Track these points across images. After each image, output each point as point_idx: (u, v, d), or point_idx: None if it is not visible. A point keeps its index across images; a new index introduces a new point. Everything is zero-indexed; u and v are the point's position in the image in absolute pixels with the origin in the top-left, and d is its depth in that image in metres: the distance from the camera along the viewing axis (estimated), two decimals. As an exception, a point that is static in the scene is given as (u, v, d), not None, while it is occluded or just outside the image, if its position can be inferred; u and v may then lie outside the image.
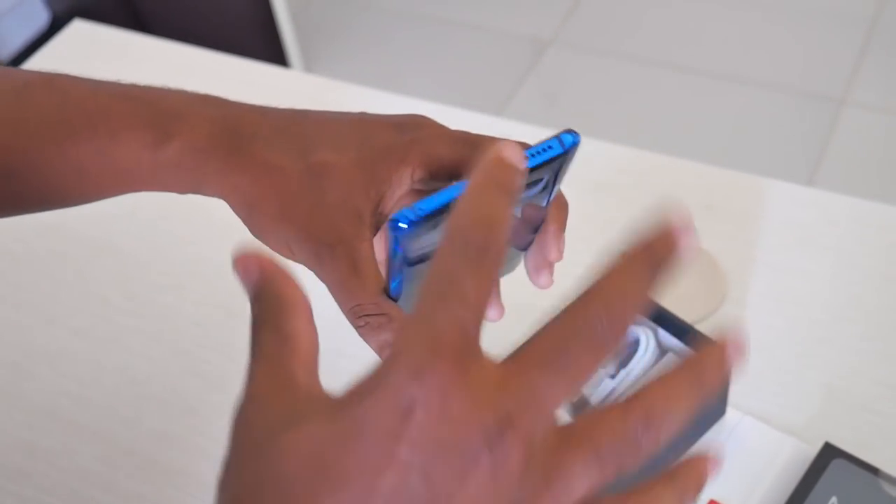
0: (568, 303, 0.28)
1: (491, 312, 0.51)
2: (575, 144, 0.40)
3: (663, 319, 0.60)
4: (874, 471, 0.56)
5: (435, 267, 0.27)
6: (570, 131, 0.41)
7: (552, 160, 0.41)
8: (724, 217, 0.73)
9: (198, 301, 0.73)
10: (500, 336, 0.66)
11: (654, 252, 0.29)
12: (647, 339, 0.60)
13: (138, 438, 0.66)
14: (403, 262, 0.42)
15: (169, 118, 0.47)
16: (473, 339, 0.26)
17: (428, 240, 0.42)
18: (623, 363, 0.60)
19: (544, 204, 0.45)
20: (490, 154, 0.28)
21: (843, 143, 1.88)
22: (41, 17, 2.29)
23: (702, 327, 0.66)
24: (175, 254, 0.77)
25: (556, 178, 0.43)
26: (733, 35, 2.14)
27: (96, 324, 0.73)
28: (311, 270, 0.45)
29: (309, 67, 2.16)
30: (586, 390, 0.60)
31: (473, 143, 0.46)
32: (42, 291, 0.76)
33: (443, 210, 0.39)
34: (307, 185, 0.45)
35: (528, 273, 0.50)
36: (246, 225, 0.47)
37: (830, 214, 0.72)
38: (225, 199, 0.47)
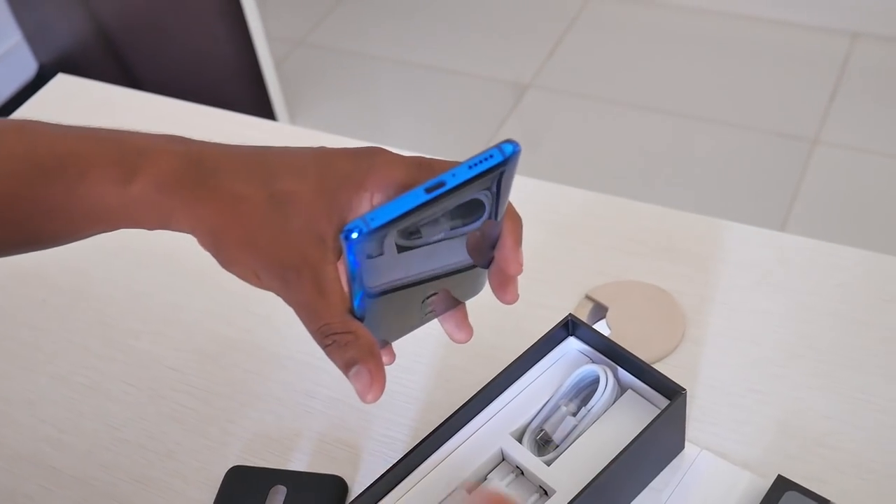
0: None
1: (460, 335, 0.53)
2: (515, 153, 0.42)
3: (622, 358, 0.63)
4: (825, 502, 0.58)
5: None
6: (510, 141, 0.42)
7: (494, 168, 0.42)
8: (683, 259, 0.75)
9: (174, 347, 0.75)
10: (470, 361, 0.68)
11: None
12: (607, 377, 0.62)
13: (117, 483, 0.68)
14: (360, 275, 0.43)
15: (134, 155, 0.49)
16: None
17: (386, 259, 0.43)
18: (584, 401, 0.63)
19: (496, 216, 0.46)
20: None
21: (817, 181, 1.92)
22: (29, 68, 2.33)
23: (661, 365, 0.69)
24: (152, 301, 0.79)
25: (499, 187, 0.44)
26: (708, 77, 2.19)
27: (75, 370, 0.75)
28: (279, 295, 0.47)
29: (293, 114, 2.19)
30: (549, 428, 0.62)
31: (427, 166, 0.49)
32: (21, 339, 0.78)
33: (393, 222, 0.40)
34: (271, 213, 0.47)
35: (494, 291, 0.52)
36: (214, 256, 0.48)
37: (784, 255, 0.75)
38: (192, 232, 0.48)
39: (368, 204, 0.48)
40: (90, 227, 0.51)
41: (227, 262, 0.48)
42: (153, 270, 0.81)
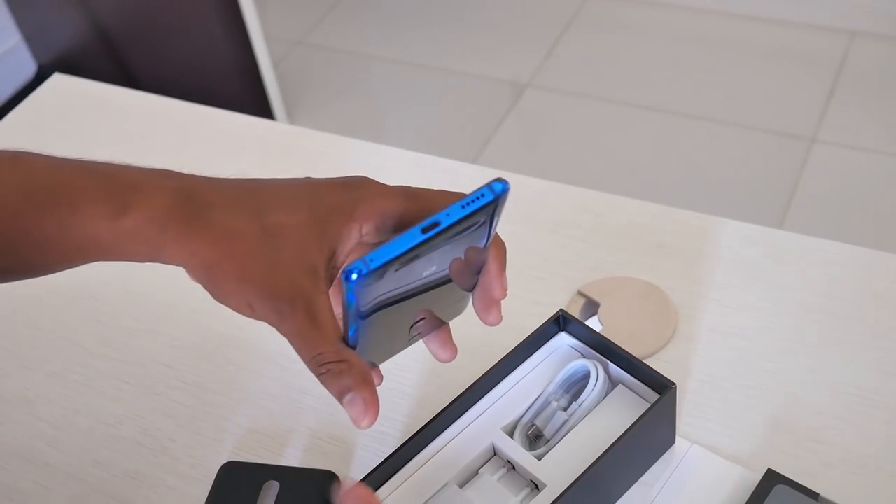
0: None
1: (444, 354, 0.54)
2: (505, 191, 0.44)
3: (613, 353, 0.63)
4: (814, 496, 0.59)
5: None
6: (499, 180, 0.44)
7: (486, 206, 0.44)
8: (675, 255, 0.76)
9: (169, 344, 0.76)
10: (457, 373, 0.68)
11: None
12: (598, 372, 0.62)
13: (112, 479, 0.68)
14: (358, 312, 0.45)
15: (127, 190, 0.50)
16: None
17: (379, 289, 0.44)
18: (575, 396, 0.63)
19: (483, 245, 0.48)
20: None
21: (815, 179, 1.92)
22: (28, 68, 2.33)
23: (653, 361, 0.69)
24: (147, 299, 0.79)
25: (491, 221, 0.46)
26: (705, 76, 2.19)
27: (71, 368, 0.75)
28: (272, 325, 0.48)
29: (291, 114, 2.20)
30: (540, 423, 0.62)
31: (415, 196, 0.50)
32: (18, 337, 0.78)
33: (391, 262, 0.42)
34: (264, 246, 0.48)
35: (477, 313, 0.53)
36: (207, 289, 0.49)
37: (776, 251, 0.75)
38: (184, 266, 0.49)
39: (357, 234, 0.50)
40: (81, 259, 0.52)
41: (220, 295, 0.49)
42: (147, 269, 0.81)
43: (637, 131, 2.10)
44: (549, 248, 0.78)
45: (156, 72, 2.13)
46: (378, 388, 0.48)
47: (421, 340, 0.54)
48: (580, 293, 0.74)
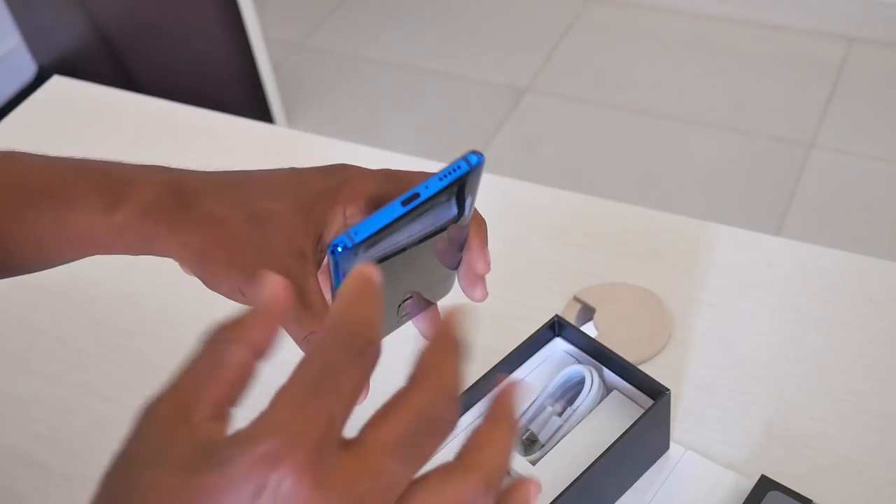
0: (403, 390, 0.30)
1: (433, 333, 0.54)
2: (480, 163, 0.45)
3: (607, 359, 0.63)
4: (808, 502, 0.59)
5: (315, 355, 0.29)
6: (474, 152, 0.46)
7: (462, 177, 0.45)
8: (671, 261, 0.76)
9: (166, 346, 0.76)
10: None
11: (456, 337, 0.31)
12: (592, 378, 0.63)
13: (107, 481, 0.68)
14: None
15: (119, 184, 0.51)
16: (338, 432, 0.28)
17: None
18: (570, 402, 0.63)
19: (466, 213, 0.49)
20: (356, 270, 0.31)
21: (813, 185, 1.92)
22: (28, 70, 2.33)
23: (648, 366, 0.69)
24: (144, 302, 0.79)
25: (465, 194, 0.47)
26: (704, 81, 2.19)
27: (69, 370, 0.75)
28: None
29: (290, 117, 2.20)
30: (535, 428, 0.63)
31: (396, 178, 0.51)
32: (16, 339, 0.78)
33: (375, 234, 0.44)
34: (252, 232, 0.49)
35: (464, 290, 0.54)
36: (199, 277, 0.50)
37: (772, 258, 0.75)
38: (175, 257, 0.50)
39: (342, 217, 0.51)
40: (75, 253, 0.53)
41: (212, 283, 0.50)
42: (144, 272, 0.82)
43: (635, 136, 2.10)
44: (545, 253, 0.78)
45: (155, 74, 2.13)
46: (373, 391, 0.48)
47: (410, 322, 0.55)
48: (576, 299, 0.74)
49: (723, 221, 0.79)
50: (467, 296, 0.53)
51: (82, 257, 0.53)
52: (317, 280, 0.49)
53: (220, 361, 0.30)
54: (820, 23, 2.24)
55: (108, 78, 1.96)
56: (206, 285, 0.50)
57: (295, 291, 0.47)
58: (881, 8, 2.18)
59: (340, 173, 0.52)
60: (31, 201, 0.52)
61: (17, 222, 0.52)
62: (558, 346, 0.65)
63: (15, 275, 0.56)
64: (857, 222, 1.84)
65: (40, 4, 2.17)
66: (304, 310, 0.48)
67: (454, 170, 0.45)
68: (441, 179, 0.45)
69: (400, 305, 0.52)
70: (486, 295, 0.53)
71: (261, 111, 2.08)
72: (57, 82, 1.05)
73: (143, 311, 0.79)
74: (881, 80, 2.14)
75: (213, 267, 0.49)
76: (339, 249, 0.43)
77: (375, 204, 0.51)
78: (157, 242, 0.50)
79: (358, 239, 0.43)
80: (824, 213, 1.87)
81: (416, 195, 0.44)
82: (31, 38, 2.30)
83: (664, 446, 0.64)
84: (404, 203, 0.44)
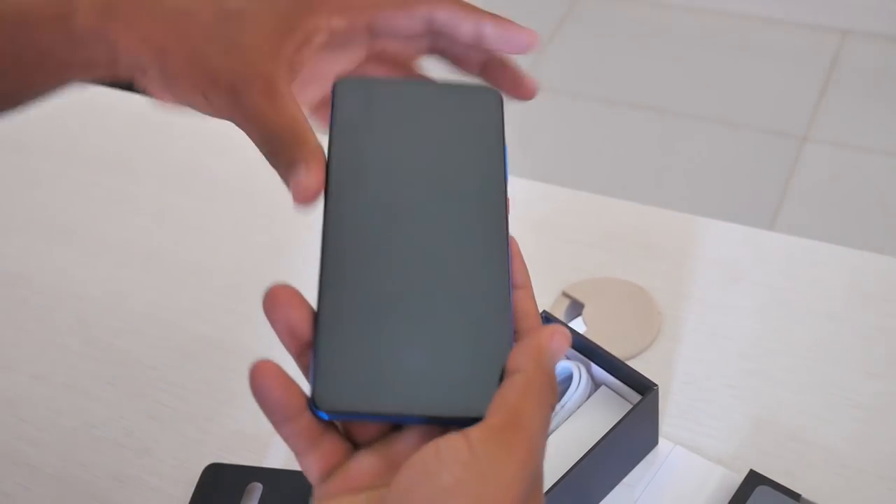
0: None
1: None
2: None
3: (595, 355, 0.63)
4: (796, 496, 0.59)
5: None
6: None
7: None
8: (660, 255, 0.76)
9: (153, 345, 0.75)
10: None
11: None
12: (580, 373, 0.62)
13: (95, 480, 0.68)
14: None
15: None
16: None
17: None
18: (558, 397, 0.63)
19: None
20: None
21: (806, 178, 1.92)
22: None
23: (637, 362, 0.69)
24: (131, 300, 0.79)
25: None
26: (697, 75, 2.19)
27: (55, 369, 0.75)
28: (227, 117, 0.45)
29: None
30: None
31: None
32: (2, 338, 0.78)
33: None
34: (221, 28, 0.45)
35: (513, 94, 0.54)
36: (159, 79, 0.46)
37: (760, 252, 0.75)
38: (136, 58, 0.46)
39: (326, 29, 0.47)
40: (43, 80, 0.48)
41: (172, 79, 0.45)
42: (132, 270, 0.81)
43: (627, 130, 2.10)
44: (534, 248, 0.77)
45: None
46: None
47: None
48: (565, 294, 0.74)
49: (716, 216, 0.79)
50: (519, 96, 0.55)
51: (51, 86, 0.48)
52: (289, 82, 0.45)
53: None
54: (813, 15, 2.24)
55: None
56: (168, 93, 0.46)
57: (262, 89, 0.43)
58: (874, 1, 2.18)
59: None
60: None
61: None
62: (546, 341, 0.65)
63: None
64: (852, 214, 1.84)
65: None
66: (270, 108, 0.43)
67: None
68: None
69: None
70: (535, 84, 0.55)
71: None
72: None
73: (131, 310, 0.78)
74: (874, 72, 2.14)
75: (172, 64, 0.44)
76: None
77: (365, 21, 0.47)
78: (119, 44, 0.45)
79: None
80: (818, 206, 1.87)
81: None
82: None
83: (653, 441, 0.63)
84: None
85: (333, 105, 0.43)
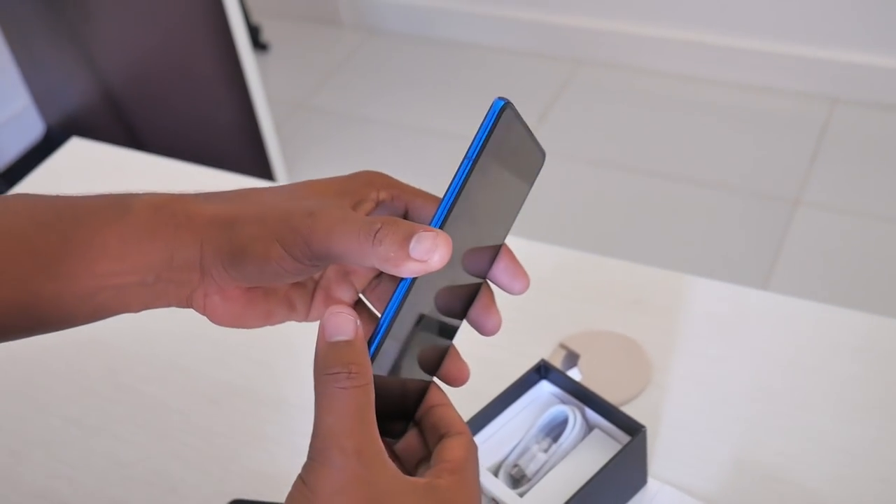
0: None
1: (490, 322, 0.55)
2: (502, 105, 0.46)
3: (590, 399, 0.68)
4: (774, 532, 0.64)
5: None
6: (501, 98, 0.46)
7: (491, 130, 0.46)
8: (650, 310, 0.81)
9: (179, 391, 0.81)
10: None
11: None
12: (575, 417, 0.68)
13: (124, 517, 0.73)
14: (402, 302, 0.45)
15: (124, 197, 0.49)
16: None
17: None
18: (555, 439, 0.68)
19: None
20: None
21: (798, 241, 1.98)
22: (37, 129, 2.40)
23: (628, 408, 0.74)
24: (158, 348, 0.85)
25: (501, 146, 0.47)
26: (693, 140, 2.26)
27: (87, 412, 0.80)
28: (309, 257, 0.45)
29: (291, 175, 2.27)
30: (523, 463, 0.68)
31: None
32: (36, 383, 0.83)
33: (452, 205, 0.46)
34: (278, 197, 0.48)
35: (506, 286, 0.55)
36: (224, 257, 0.46)
37: (744, 308, 0.81)
38: (201, 243, 0.46)
39: (374, 201, 0.50)
40: (92, 281, 0.47)
41: (242, 252, 0.45)
42: (159, 320, 0.87)
43: (624, 193, 2.16)
44: (534, 303, 0.83)
45: (160, 133, 2.20)
46: None
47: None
48: (562, 345, 0.79)
49: (710, 276, 0.85)
50: (509, 289, 0.55)
51: (101, 290, 0.47)
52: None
53: None
54: (804, 84, 2.32)
55: (114, 137, 2.03)
56: (235, 270, 0.46)
57: (336, 205, 0.47)
58: (863, 70, 2.26)
59: (363, 173, 0.52)
60: (42, 224, 0.48)
61: (28, 248, 0.47)
62: (544, 388, 0.71)
63: (27, 331, 0.52)
64: (843, 277, 1.90)
65: (50, 67, 2.25)
66: (350, 213, 0.46)
67: (483, 128, 0.45)
68: (480, 131, 0.45)
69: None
70: (500, 322, 0.54)
71: (263, 170, 2.15)
72: (74, 144, 1.12)
73: (158, 358, 0.84)
74: (863, 139, 2.22)
75: (243, 227, 0.45)
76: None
77: (403, 198, 0.51)
78: (179, 236, 0.46)
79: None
80: (810, 268, 1.93)
81: (465, 157, 0.46)
82: (40, 98, 2.37)
83: (642, 480, 0.69)
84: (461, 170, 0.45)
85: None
